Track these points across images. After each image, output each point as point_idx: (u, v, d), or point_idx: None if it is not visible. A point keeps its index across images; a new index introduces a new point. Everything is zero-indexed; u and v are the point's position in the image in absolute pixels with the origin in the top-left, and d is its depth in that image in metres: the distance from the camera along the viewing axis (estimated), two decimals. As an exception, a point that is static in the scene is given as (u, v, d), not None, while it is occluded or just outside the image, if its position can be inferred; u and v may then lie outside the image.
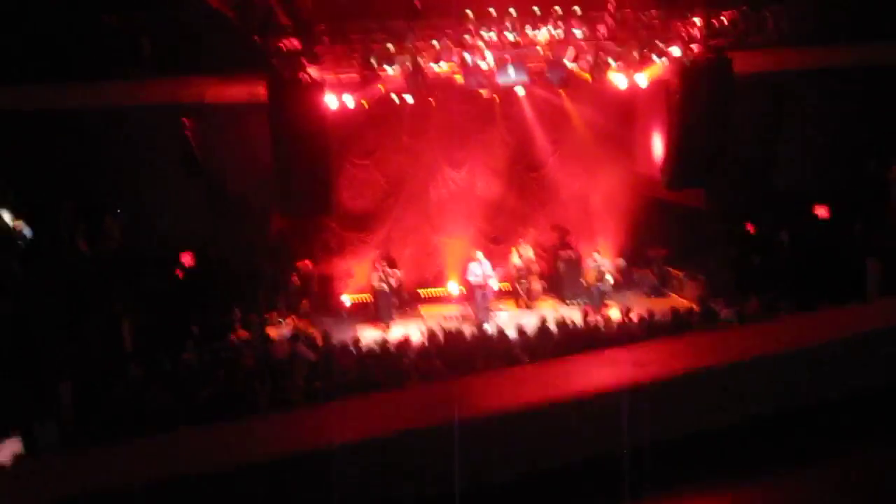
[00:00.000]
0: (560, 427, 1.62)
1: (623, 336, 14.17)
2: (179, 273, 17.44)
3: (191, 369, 14.19)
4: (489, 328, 17.06)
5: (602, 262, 19.78)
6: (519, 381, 1.67)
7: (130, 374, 13.90)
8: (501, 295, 20.25)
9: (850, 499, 2.31)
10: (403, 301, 19.66)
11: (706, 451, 2.05)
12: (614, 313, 17.69)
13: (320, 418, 1.98)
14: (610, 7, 15.53)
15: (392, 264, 19.56)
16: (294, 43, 14.49)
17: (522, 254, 20.10)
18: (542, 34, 15.15)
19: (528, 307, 19.69)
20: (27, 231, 14.01)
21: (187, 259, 17.51)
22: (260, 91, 15.64)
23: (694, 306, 17.06)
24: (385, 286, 18.86)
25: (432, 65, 16.01)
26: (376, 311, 19.09)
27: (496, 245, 20.72)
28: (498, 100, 19.88)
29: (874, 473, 2.28)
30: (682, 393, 1.67)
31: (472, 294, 19.14)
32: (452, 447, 1.70)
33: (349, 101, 17.57)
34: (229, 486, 2.03)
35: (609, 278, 19.77)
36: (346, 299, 20.30)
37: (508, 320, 18.09)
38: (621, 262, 20.72)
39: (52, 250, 13.52)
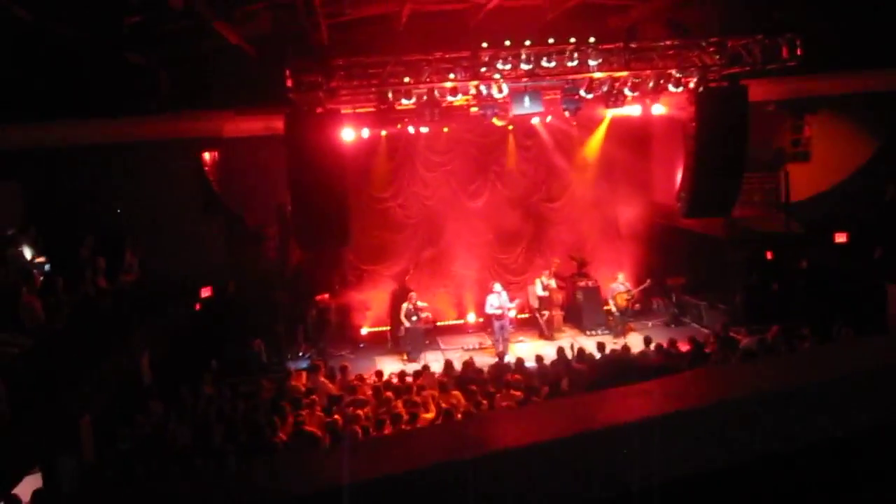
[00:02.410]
0: (591, 459, 1.59)
1: (645, 366, 14.05)
2: (198, 307, 17.48)
3: (210, 403, 14.18)
4: (508, 359, 16.98)
5: (627, 285, 19.72)
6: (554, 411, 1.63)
7: (150, 408, 13.90)
8: (521, 325, 20.19)
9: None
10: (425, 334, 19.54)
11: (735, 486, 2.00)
12: (634, 342, 17.57)
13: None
14: (625, 37, 15.60)
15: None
16: (312, 77, 14.58)
17: (546, 284, 20.01)
18: (558, 64, 15.18)
19: (548, 338, 19.59)
20: (47, 266, 14.08)
21: (206, 293, 17.55)
22: (277, 124, 15.74)
23: (713, 335, 16.90)
24: (415, 320, 18.74)
25: (449, 98, 16.09)
26: (403, 344, 18.98)
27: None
28: (513, 130, 20.03)
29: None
30: (711, 424, 1.65)
31: (491, 325, 19.08)
32: (480, 481, 1.66)
33: (366, 134, 17.69)
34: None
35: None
36: (364, 331, 20.31)
37: (528, 351, 18.03)
38: (648, 283, 20.39)
39: (72, 284, 13.57)
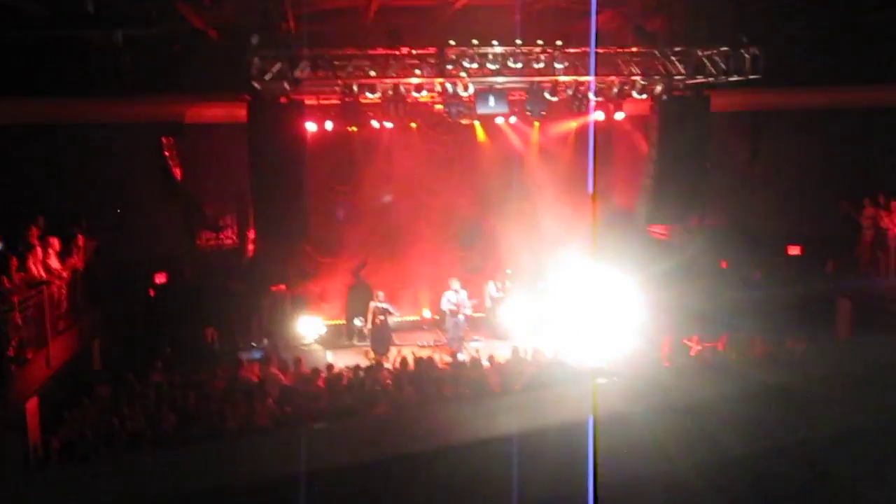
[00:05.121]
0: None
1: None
2: (152, 292, 17.29)
3: (160, 391, 14.02)
4: (462, 356, 16.99)
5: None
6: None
7: (97, 393, 13.73)
8: (476, 325, 20.19)
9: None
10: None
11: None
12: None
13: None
14: (591, 42, 15.69)
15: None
16: (276, 66, 14.47)
17: (500, 286, 20.06)
18: (524, 66, 15.23)
19: (502, 338, 19.59)
20: (0, 246, 13.85)
21: (161, 278, 17.37)
22: (240, 112, 15.62)
23: (666, 341, 17.02)
24: (382, 319, 18.61)
25: (414, 94, 16.07)
26: (371, 343, 18.86)
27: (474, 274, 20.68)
28: (477, 129, 20.05)
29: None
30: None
31: (446, 322, 19.09)
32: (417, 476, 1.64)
33: (329, 126, 17.59)
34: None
35: None
36: (320, 323, 20.19)
37: (482, 350, 18.05)
38: None
39: (25, 265, 13.38)
